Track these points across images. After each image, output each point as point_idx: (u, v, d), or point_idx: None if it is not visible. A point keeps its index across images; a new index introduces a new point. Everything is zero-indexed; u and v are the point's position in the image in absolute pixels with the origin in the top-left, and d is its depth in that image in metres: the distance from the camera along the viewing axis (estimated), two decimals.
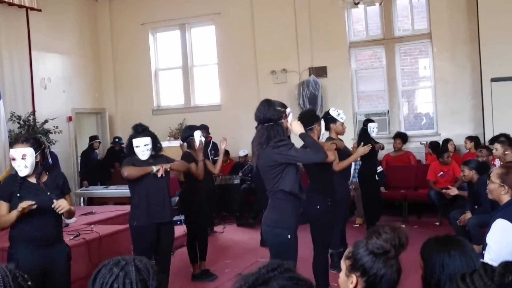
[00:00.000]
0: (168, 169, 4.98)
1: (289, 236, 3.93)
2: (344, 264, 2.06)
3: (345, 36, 10.86)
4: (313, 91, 10.60)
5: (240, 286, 1.44)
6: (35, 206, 3.75)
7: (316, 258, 5.11)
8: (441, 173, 8.58)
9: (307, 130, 5.14)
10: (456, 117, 10.11)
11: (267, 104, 4.09)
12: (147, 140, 4.97)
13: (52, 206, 3.83)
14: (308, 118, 5.18)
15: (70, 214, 4.17)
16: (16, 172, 3.97)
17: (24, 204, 3.71)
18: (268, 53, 11.20)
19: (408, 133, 10.35)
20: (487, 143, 8.52)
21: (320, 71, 10.92)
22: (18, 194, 3.90)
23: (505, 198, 3.70)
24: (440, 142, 9.64)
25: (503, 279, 1.60)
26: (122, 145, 9.44)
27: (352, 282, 2.01)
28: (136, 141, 4.96)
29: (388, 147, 9.73)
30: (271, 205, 4.04)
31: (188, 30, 12.32)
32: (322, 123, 5.31)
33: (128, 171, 4.84)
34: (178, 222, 8.50)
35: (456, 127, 10.03)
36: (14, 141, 4.11)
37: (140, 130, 5.05)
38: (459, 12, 10.03)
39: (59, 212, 3.85)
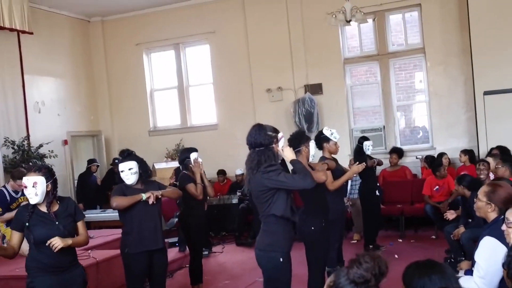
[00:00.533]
0: (159, 196, 4.93)
1: (281, 260, 3.93)
2: None
3: (339, 52, 10.91)
4: (309, 109, 10.63)
5: None
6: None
7: (310, 279, 5.10)
8: (437, 187, 8.60)
9: (296, 152, 5.19)
10: (451, 130, 10.15)
11: (258, 128, 4.09)
12: (132, 164, 4.91)
13: (46, 244, 3.87)
14: (296, 140, 5.23)
15: (79, 243, 4.21)
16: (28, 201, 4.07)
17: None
18: (263, 72, 11.26)
19: (404, 147, 10.38)
20: (481, 156, 8.55)
21: (316, 88, 10.95)
22: (27, 223, 3.97)
23: (492, 216, 3.75)
24: (436, 156, 9.65)
25: None
26: None
27: None
28: (120, 166, 4.92)
29: (385, 162, 9.72)
30: (263, 229, 4.04)
31: (183, 50, 12.38)
32: (311, 144, 5.30)
33: (117, 202, 4.78)
34: (177, 244, 8.52)
35: (451, 141, 10.07)
36: (27, 169, 4.24)
37: (126, 154, 5.03)
38: (451, 25, 10.11)
39: (55, 251, 3.86)
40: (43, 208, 4.04)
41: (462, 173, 8.21)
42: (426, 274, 2.30)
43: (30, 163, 9.64)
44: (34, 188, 3.95)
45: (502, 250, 3.37)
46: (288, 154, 4.01)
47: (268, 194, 3.93)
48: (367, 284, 2.00)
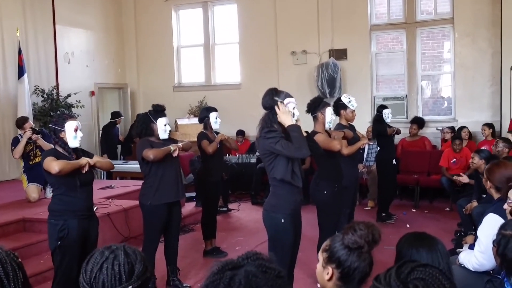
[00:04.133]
0: (180, 148, 5.15)
1: (282, 221, 4.06)
2: (321, 256, 2.22)
3: (366, 18, 10.82)
4: (332, 74, 10.62)
5: (213, 270, 1.56)
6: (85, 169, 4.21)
7: (320, 242, 5.21)
8: (454, 159, 8.60)
9: (313, 117, 5.29)
10: (475, 103, 10.05)
11: (268, 92, 4.20)
12: (167, 120, 5.19)
13: (82, 164, 4.19)
14: (312, 105, 5.35)
15: (106, 165, 4.60)
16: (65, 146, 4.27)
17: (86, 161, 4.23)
18: (289, 34, 11.25)
19: (426, 118, 10.32)
20: (504, 131, 8.51)
21: (340, 54, 10.93)
22: None
23: (494, 193, 3.80)
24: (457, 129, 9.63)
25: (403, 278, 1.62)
26: None
27: (328, 273, 2.17)
28: (164, 120, 5.12)
29: (405, 132, 9.73)
30: (271, 191, 4.19)
31: (211, 8, 12.40)
32: (328, 110, 5.35)
33: (154, 154, 4.91)
34: (194, 199, 8.76)
35: (474, 114, 9.98)
36: (67, 116, 4.43)
37: (164, 109, 5.23)
38: None
39: (83, 171, 4.19)
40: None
41: (483, 147, 8.22)
42: (415, 245, 2.43)
43: (58, 112, 9.94)
44: (81, 132, 4.27)
45: None
46: (284, 119, 4.00)
47: (270, 157, 4.05)
48: (360, 250, 2.14)
